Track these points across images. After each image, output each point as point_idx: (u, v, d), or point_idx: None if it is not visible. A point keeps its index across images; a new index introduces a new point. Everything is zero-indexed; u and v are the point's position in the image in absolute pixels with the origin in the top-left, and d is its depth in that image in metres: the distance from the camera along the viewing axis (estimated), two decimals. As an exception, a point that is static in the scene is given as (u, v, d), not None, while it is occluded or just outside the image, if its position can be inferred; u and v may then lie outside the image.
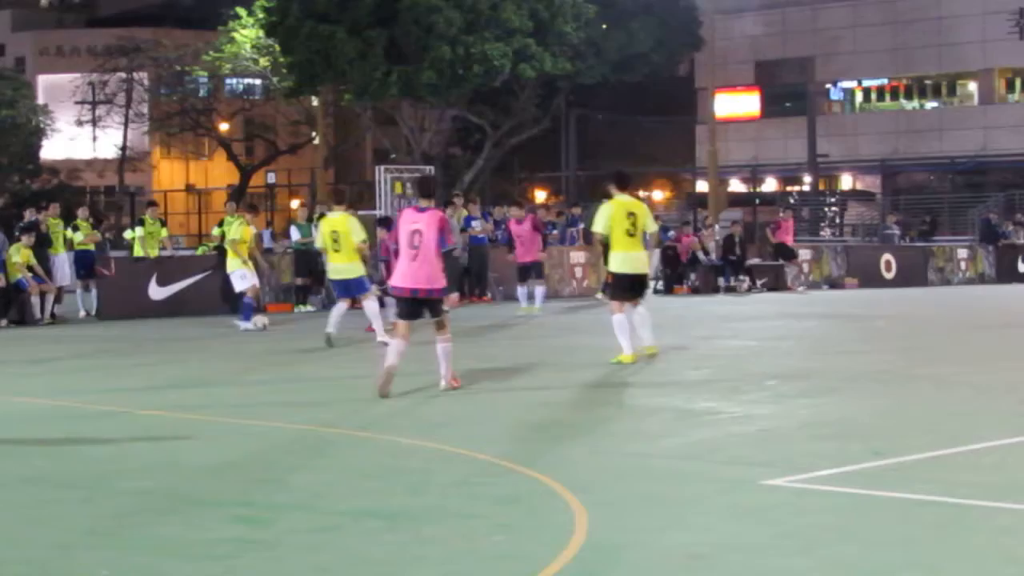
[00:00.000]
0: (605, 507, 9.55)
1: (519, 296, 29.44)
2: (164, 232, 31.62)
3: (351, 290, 21.47)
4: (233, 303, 26.76)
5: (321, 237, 21.59)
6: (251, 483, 10.97)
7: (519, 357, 19.85)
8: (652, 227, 18.46)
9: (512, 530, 9.01)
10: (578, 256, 37.38)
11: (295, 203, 59.23)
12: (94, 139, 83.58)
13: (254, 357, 20.49)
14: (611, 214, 17.97)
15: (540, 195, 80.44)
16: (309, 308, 31.54)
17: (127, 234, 31.33)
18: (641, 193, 79.12)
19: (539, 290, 29.23)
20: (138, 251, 31.12)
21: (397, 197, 37.22)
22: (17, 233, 30.06)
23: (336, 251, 21.16)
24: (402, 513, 9.57)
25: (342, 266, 21.27)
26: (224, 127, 79.78)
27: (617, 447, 12.31)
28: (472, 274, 33.15)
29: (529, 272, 29.34)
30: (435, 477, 10.95)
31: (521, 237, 29.28)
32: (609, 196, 18.52)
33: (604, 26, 52.56)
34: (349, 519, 9.45)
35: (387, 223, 24.45)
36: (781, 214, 44.01)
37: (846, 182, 78.11)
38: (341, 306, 21.46)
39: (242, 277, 25.19)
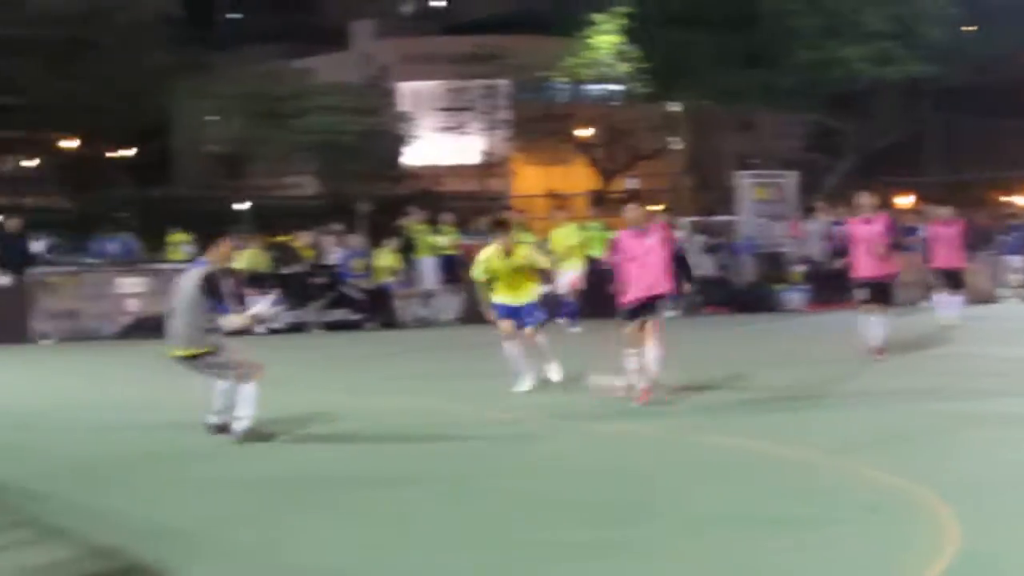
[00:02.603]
0: (978, 516, 9.47)
1: (939, 304, 27.43)
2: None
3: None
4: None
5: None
6: (610, 485, 11.13)
7: (883, 366, 19.67)
8: None
9: (882, 538, 9.06)
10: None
11: (657, 208, 59.41)
12: (455, 145, 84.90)
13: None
14: None
15: (903, 201, 79.11)
16: (672, 313, 31.68)
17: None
18: (1016, 199, 77.26)
19: (956, 299, 27.21)
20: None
21: (757, 203, 37.09)
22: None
23: None
24: (766, 519, 9.64)
25: None
26: (584, 132, 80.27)
27: (986, 455, 12.15)
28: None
29: (951, 278, 27.21)
30: (802, 484, 10.97)
31: (948, 241, 27.15)
32: None
33: (968, 28, 51.57)
34: (711, 524, 9.50)
35: None
36: None
37: None
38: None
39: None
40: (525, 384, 18.09)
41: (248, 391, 13.81)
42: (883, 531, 9.29)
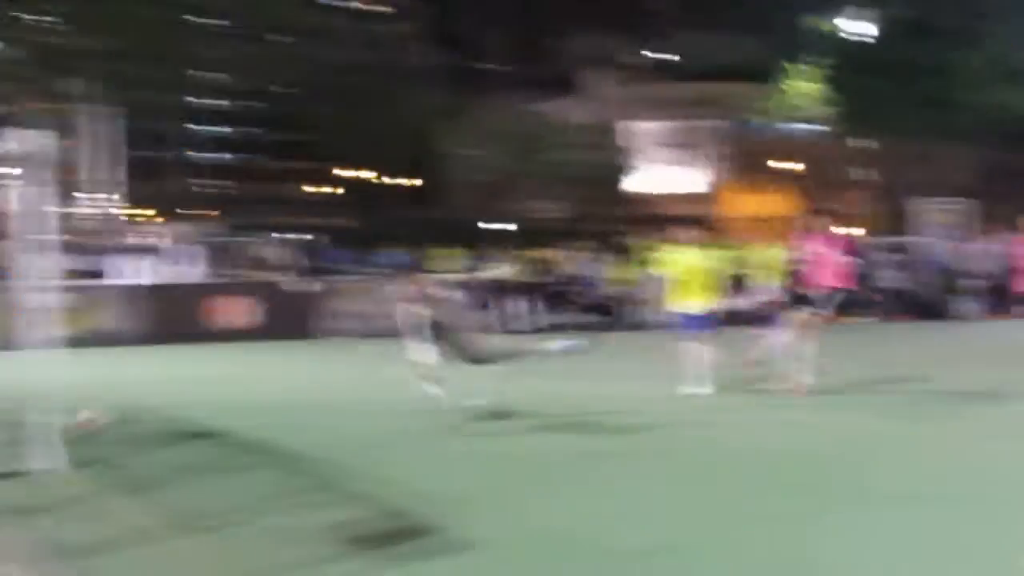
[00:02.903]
0: None
1: None
2: (737, 254, 32.08)
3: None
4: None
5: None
6: (798, 465, 11.23)
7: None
8: None
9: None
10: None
11: (856, 231, 59.42)
12: (678, 176, 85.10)
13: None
14: None
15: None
16: (866, 320, 31.29)
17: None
18: None
19: None
20: (716, 270, 31.77)
21: (937, 226, 36.63)
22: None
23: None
24: (931, 496, 9.61)
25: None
26: (788, 165, 79.88)
27: None
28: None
29: None
30: (965, 465, 10.98)
31: None
32: None
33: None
34: (886, 500, 9.53)
35: None
36: None
37: None
38: None
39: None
40: (701, 388, 16.67)
41: (495, 372, 14.10)
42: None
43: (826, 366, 16.71)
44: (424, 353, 13.58)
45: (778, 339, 17.09)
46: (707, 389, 16.58)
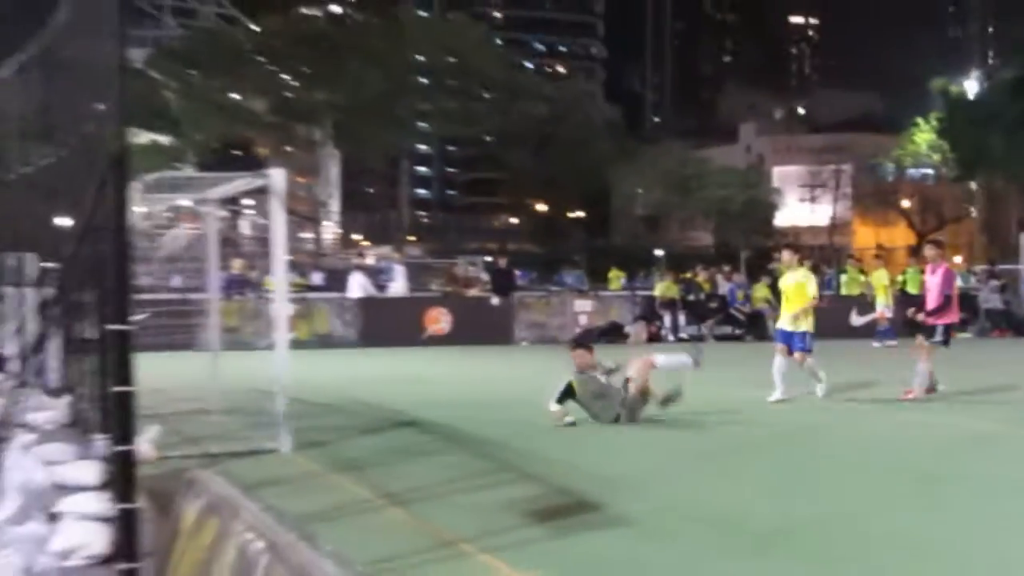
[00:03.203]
0: None
1: None
2: (862, 278, 31.51)
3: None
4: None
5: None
6: (914, 456, 11.07)
7: None
8: None
9: None
10: None
11: (958, 259, 58.22)
12: (811, 211, 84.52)
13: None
14: None
15: None
16: (967, 335, 30.51)
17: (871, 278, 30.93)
18: None
19: None
20: (843, 290, 31.37)
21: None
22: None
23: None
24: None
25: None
26: (905, 203, 79.03)
27: None
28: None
29: None
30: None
31: None
32: None
33: None
34: (1003, 488, 9.28)
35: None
36: None
37: None
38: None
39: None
40: (775, 395, 15.66)
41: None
42: None
43: (939, 377, 16.27)
44: (557, 406, 13.50)
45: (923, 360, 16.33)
46: (775, 396, 15.73)
